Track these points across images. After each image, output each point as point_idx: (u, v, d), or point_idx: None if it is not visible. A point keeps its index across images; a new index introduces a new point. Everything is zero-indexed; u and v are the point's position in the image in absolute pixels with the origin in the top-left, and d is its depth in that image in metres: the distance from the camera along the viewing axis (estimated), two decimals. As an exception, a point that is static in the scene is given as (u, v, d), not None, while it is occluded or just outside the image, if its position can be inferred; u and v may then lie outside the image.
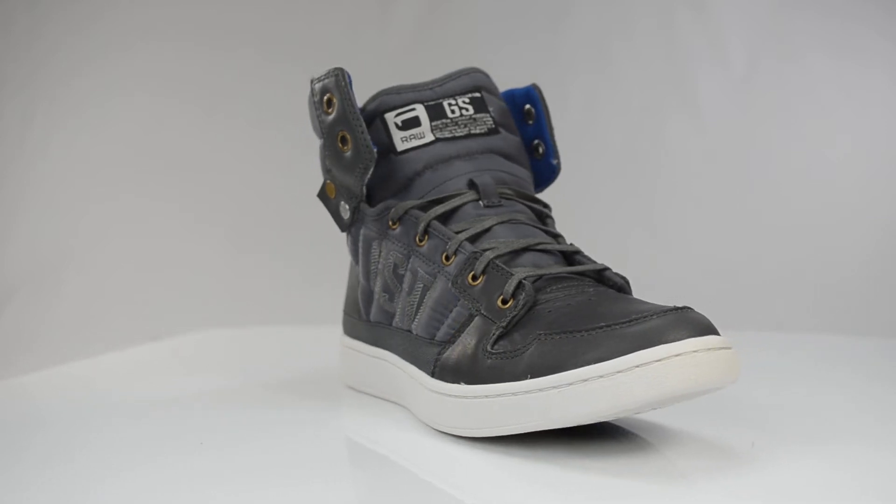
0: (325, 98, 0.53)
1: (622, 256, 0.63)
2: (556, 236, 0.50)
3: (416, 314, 0.50)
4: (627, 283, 0.47)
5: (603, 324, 0.41)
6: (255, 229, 0.96)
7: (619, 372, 0.39)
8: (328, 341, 0.87)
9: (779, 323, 0.96)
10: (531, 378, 0.42)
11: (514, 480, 0.40)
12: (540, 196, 0.54)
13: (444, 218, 0.50)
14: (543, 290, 0.45)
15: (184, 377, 0.69)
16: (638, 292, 0.59)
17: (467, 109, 0.53)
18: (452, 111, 0.52)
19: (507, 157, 0.53)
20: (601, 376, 0.39)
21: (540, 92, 0.55)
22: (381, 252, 0.52)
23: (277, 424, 0.50)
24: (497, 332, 0.44)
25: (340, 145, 0.52)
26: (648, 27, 1.11)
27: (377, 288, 0.53)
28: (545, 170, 0.55)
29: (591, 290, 0.45)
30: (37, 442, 0.48)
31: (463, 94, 0.53)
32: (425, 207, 0.51)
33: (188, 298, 0.89)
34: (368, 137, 0.51)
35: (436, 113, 0.52)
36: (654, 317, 0.40)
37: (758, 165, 1.06)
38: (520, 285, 0.45)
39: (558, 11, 1.13)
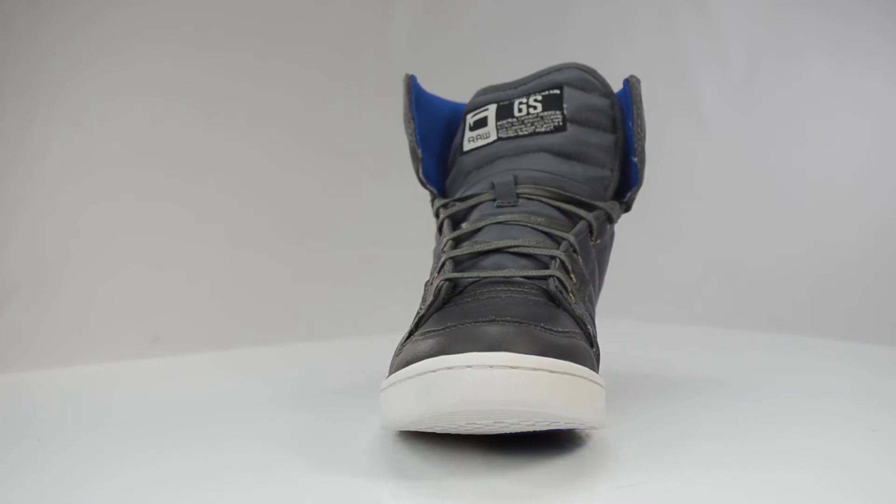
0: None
1: (621, 256, 0.63)
2: (560, 240, 0.47)
3: None
4: (560, 291, 0.43)
5: (443, 326, 0.39)
6: (255, 229, 0.96)
7: (406, 379, 0.37)
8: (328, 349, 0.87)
9: (778, 323, 0.96)
10: (387, 377, 0.41)
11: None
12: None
13: (461, 217, 0.50)
14: (475, 293, 0.43)
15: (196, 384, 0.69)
16: (638, 292, 0.59)
17: (535, 108, 0.52)
18: (520, 110, 0.52)
19: (566, 155, 0.51)
20: (397, 382, 0.38)
21: (631, 85, 0.52)
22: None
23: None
24: (409, 331, 0.44)
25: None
26: (648, 27, 1.11)
27: None
28: (632, 168, 0.53)
29: (505, 295, 0.42)
30: (57, 437, 0.48)
31: (540, 91, 0.52)
32: (448, 207, 0.51)
33: (188, 298, 0.89)
34: (414, 139, 0.52)
35: (504, 112, 0.52)
36: (473, 324, 0.37)
37: (758, 165, 1.05)
38: (438, 287, 0.44)
39: (558, 11, 1.13)
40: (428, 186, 0.54)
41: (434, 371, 0.36)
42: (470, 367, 0.35)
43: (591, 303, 0.47)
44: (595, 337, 0.44)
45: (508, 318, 0.38)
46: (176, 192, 0.90)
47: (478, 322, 0.38)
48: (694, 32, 1.08)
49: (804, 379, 0.63)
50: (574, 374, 0.37)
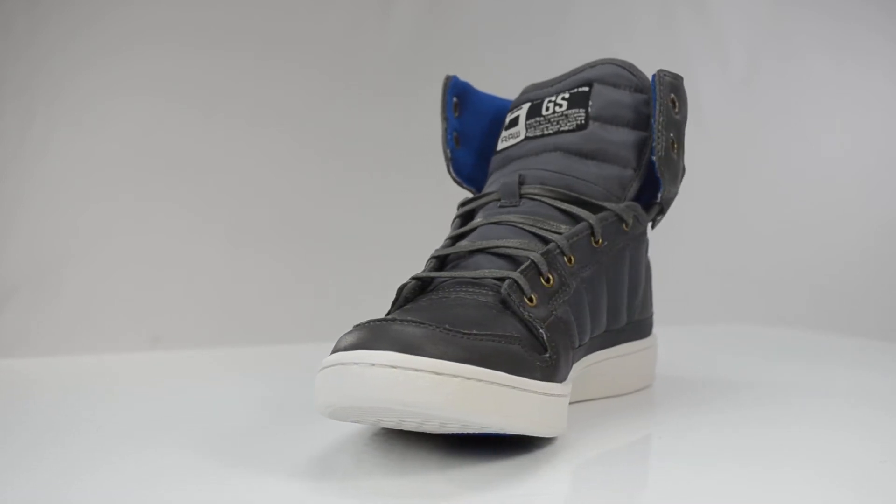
0: None
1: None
2: (547, 241, 0.46)
3: None
4: (509, 294, 0.42)
5: (374, 321, 0.39)
6: (255, 229, 0.96)
7: (319, 371, 0.38)
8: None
9: (777, 321, 0.96)
10: None
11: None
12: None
13: (470, 216, 0.50)
14: (433, 293, 0.43)
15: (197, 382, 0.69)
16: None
17: (561, 106, 0.51)
18: (547, 108, 0.51)
19: (583, 153, 0.50)
20: (317, 372, 0.39)
21: (658, 79, 0.50)
22: None
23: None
24: None
25: None
26: (648, 27, 1.11)
27: None
28: (653, 166, 0.50)
29: (454, 296, 0.42)
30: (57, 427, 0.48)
31: (570, 89, 0.51)
32: (464, 205, 0.51)
33: (187, 297, 0.89)
34: (445, 138, 0.53)
35: (533, 111, 0.52)
36: (380, 323, 0.38)
37: (758, 165, 1.06)
38: (402, 285, 0.44)
39: (558, 11, 1.13)
40: (463, 185, 0.54)
41: (331, 366, 0.37)
42: (356, 364, 0.36)
43: (573, 306, 0.46)
44: (554, 342, 0.42)
45: (409, 319, 0.38)
46: (176, 192, 0.90)
47: (385, 322, 0.38)
48: (694, 32, 1.08)
49: (803, 378, 0.63)
50: (471, 378, 0.36)
